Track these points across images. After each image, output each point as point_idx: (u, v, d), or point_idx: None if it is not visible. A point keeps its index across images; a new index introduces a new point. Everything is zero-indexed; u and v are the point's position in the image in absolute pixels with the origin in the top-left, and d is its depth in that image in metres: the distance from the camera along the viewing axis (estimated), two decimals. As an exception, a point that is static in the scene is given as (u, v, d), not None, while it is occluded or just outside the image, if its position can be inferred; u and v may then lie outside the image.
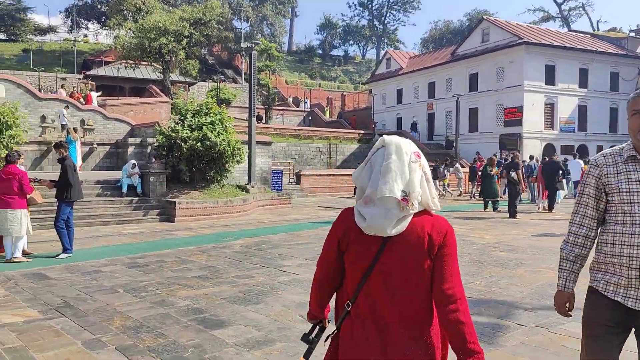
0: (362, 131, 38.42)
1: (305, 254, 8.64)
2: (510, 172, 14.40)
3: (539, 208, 16.34)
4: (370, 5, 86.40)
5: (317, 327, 2.15)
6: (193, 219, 13.73)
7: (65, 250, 8.48)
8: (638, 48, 36.65)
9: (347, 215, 1.93)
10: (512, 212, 14.15)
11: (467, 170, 25.13)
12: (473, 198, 21.99)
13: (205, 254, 8.80)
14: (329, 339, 2.05)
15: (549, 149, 32.22)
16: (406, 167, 1.84)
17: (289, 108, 47.53)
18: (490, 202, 16.07)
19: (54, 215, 8.74)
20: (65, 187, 8.42)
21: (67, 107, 21.97)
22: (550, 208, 15.74)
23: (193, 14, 30.85)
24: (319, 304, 2.09)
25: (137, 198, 14.23)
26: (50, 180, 8.72)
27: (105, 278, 6.92)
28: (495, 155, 20.01)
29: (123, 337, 4.55)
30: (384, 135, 2.01)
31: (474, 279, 6.78)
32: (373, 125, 40.92)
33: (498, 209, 15.74)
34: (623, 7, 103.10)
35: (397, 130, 40.69)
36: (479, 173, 21.31)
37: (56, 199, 8.65)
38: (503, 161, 24.68)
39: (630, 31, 37.84)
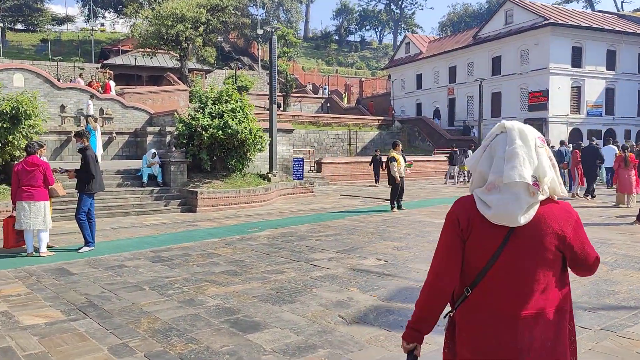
0: (381, 117, 37.80)
1: (336, 247, 8.25)
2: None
3: (572, 195, 15.72)
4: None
5: (411, 357, 1.98)
6: (215, 209, 13.43)
7: (87, 243, 8.21)
8: (669, 27, 35.31)
9: (466, 203, 1.88)
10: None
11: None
12: None
13: (231, 246, 8.46)
14: (447, 317, 2.00)
15: (575, 134, 31.35)
16: (533, 152, 1.81)
17: (306, 95, 47.02)
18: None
19: (75, 206, 8.46)
20: (87, 178, 8.12)
21: (92, 97, 21.86)
22: (592, 195, 15.20)
23: (210, 0, 30.39)
24: (434, 313, 1.93)
25: (158, 188, 13.97)
26: (74, 170, 8.43)
27: (129, 274, 6.61)
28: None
29: (152, 342, 4.20)
30: (503, 121, 1.93)
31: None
32: (393, 112, 40.27)
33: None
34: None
35: (417, 116, 39.98)
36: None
37: (77, 191, 8.36)
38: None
39: (660, 10, 36.54)
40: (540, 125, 30.89)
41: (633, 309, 4.94)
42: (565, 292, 1.87)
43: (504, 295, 1.79)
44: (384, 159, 20.04)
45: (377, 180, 22.49)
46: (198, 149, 14.60)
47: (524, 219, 1.75)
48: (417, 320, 1.94)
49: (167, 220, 11.81)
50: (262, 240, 8.97)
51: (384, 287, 5.77)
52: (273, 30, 17.41)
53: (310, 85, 51.16)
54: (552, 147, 21.40)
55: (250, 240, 9.06)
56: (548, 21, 30.31)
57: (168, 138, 18.79)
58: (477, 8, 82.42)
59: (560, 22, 30.77)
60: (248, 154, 15.28)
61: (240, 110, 14.92)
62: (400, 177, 12.97)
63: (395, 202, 13.17)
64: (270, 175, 16.41)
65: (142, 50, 33.69)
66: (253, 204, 14.31)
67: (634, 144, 22.34)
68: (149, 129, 21.15)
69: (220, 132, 14.12)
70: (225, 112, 14.61)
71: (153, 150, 14.68)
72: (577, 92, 31.86)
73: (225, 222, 11.56)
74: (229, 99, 15.25)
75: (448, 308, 1.98)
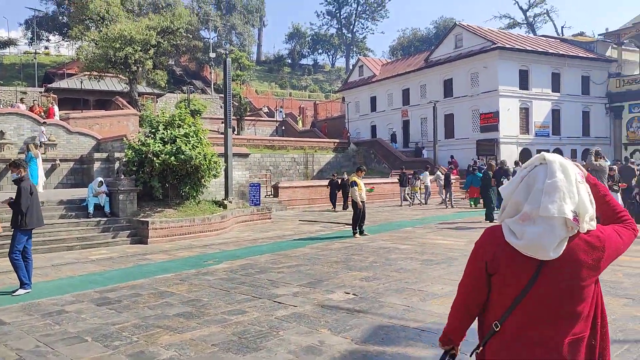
0: (337, 140, 37.72)
1: (300, 279, 7.73)
2: (502, 179, 13.83)
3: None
4: (338, 14, 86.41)
5: (448, 355, 2.06)
6: (168, 240, 12.65)
7: (22, 285, 7.36)
8: (607, 51, 37.04)
9: (494, 235, 1.86)
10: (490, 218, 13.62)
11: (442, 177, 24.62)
12: (448, 207, 21.34)
13: (186, 282, 7.80)
14: (474, 355, 1.99)
15: (525, 154, 32.10)
16: (574, 187, 1.77)
17: (261, 118, 46.61)
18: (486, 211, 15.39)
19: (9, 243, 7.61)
20: (21, 213, 7.31)
21: (44, 123, 20.88)
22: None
23: (160, 23, 29.68)
24: (462, 327, 2.02)
25: (105, 219, 13.07)
26: (10, 200, 7.60)
27: (70, 321, 5.87)
28: (491, 160, 19.58)
29: (94, 410, 3.56)
30: (544, 153, 1.92)
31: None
32: (348, 134, 40.33)
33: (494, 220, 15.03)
34: (586, 12, 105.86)
35: (372, 138, 40.15)
36: (469, 178, 20.87)
37: (11, 227, 7.53)
38: (483, 167, 24.34)
39: (599, 35, 38.20)
40: (492, 145, 31.54)
41: (623, 342, 4.65)
42: (600, 313, 1.87)
43: (534, 328, 1.77)
44: (347, 178, 19.86)
45: (334, 204, 22.13)
46: (149, 176, 13.83)
47: (554, 253, 1.71)
48: (448, 330, 2.04)
49: (116, 254, 10.98)
50: (220, 274, 8.34)
51: (357, 327, 5.29)
52: (227, 52, 16.92)
53: (266, 108, 50.80)
54: (506, 166, 21.75)
55: (207, 274, 8.41)
56: (496, 45, 31.17)
57: (117, 165, 17.85)
58: (425, 33, 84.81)
59: (507, 46, 31.71)
60: (203, 180, 14.62)
61: (194, 135, 14.30)
62: (361, 201, 12.64)
63: (358, 228, 12.79)
64: (226, 202, 15.76)
65: (89, 73, 32.48)
66: (209, 233, 13.61)
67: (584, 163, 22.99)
68: (96, 155, 20.10)
69: (172, 158, 13.43)
70: (178, 137, 13.96)
71: (100, 179, 13.79)
72: (525, 113, 32.76)
73: (179, 254, 10.84)
74: (182, 124, 14.61)
75: (475, 342, 1.98)
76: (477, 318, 1.99)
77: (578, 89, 34.75)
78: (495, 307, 1.85)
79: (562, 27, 63.43)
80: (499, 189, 2.09)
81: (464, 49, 33.80)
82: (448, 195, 22.02)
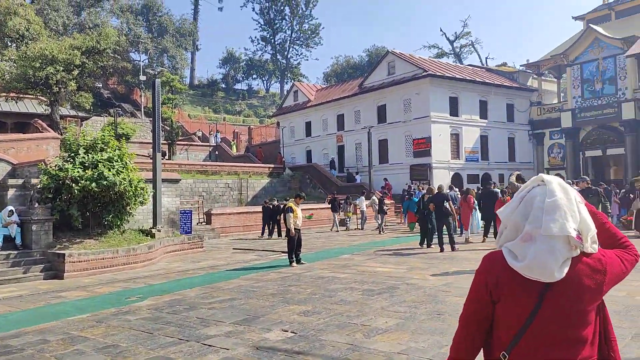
0: (272, 165, 37.22)
1: (233, 316, 7.08)
2: (445, 204, 13.81)
3: (466, 240, 15.89)
4: (272, 40, 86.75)
5: None
6: (87, 274, 11.57)
7: None
8: (528, 81, 39.06)
9: (495, 261, 1.79)
10: (446, 244, 13.50)
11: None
12: (382, 232, 21.21)
13: (104, 324, 6.94)
14: None
15: (456, 179, 32.91)
16: (575, 206, 1.73)
17: (193, 143, 45.36)
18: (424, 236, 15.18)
19: None
20: None
21: None
22: (486, 235, 15.54)
23: (85, 42, 28.19)
24: (471, 355, 1.87)
25: (15, 252, 11.83)
26: None
27: (-44, 379, 4.96)
28: (426, 184, 19.65)
29: None
30: (541, 174, 1.87)
31: (446, 339, 5.61)
32: (283, 159, 39.93)
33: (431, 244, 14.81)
34: (508, 45, 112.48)
35: (307, 163, 39.98)
36: (406, 202, 20.76)
37: None
38: (418, 192, 24.56)
39: (520, 66, 40.29)
40: (425, 170, 32.11)
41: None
42: (608, 337, 1.86)
43: (550, 353, 1.72)
44: (278, 204, 19.30)
45: (270, 232, 21.40)
46: (67, 203, 12.71)
47: (558, 274, 1.67)
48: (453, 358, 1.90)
49: (26, 292, 9.84)
50: (144, 313, 7.53)
51: (297, 372, 4.75)
52: (157, 72, 16.12)
53: (200, 133, 49.58)
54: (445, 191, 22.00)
55: (129, 313, 7.58)
56: (427, 73, 32.04)
57: (32, 192, 16.42)
58: (358, 60, 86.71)
59: (438, 73, 32.68)
60: (128, 207, 13.64)
61: (119, 159, 13.36)
62: (296, 229, 12.16)
63: (294, 256, 12.26)
64: (154, 230, 14.79)
65: (6, 94, 30.31)
66: (134, 264, 12.62)
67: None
68: (11, 181, 18.40)
69: (94, 184, 12.42)
70: (101, 162, 12.97)
71: (9, 208, 12.53)
72: (456, 139, 33.72)
73: (99, 290, 9.86)
74: (105, 147, 13.64)
75: None
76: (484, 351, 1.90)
77: (504, 116, 36.29)
78: (501, 336, 1.79)
79: (486, 58, 66.58)
80: (497, 212, 2.01)
81: (396, 75, 34.51)
82: (381, 221, 21.91)
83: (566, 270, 1.68)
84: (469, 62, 57.72)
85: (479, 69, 40.80)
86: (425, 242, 14.47)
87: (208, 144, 45.48)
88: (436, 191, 14.24)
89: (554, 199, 1.71)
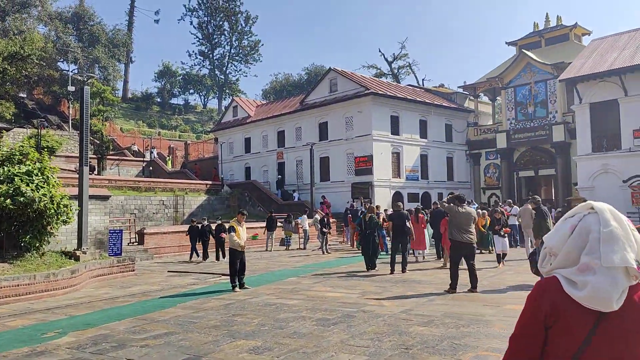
0: (209, 182, 35.89)
1: (170, 356, 6.07)
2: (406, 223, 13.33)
3: (418, 258, 15.53)
4: (211, 55, 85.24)
5: None
6: (-2, 304, 10.08)
7: None
8: (465, 103, 40.03)
9: (550, 286, 1.74)
10: (403, 266, 12.99)
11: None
12: (326, 252, 20.48)
13: (11, 370, 5.76)
14: None
15: (397, 197, 32.89)
16: (630, 234, 1.71)
17: (125, 158, 43.15)
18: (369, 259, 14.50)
19: None
20: None
21: None
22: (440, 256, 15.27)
23: (8, 47, 26.13)
24: None
25: None
26: None
27: None
28: (368, 203, 19.17)
29: None
30: (590, 201, 1.81)
31: (421, 380, 4.91)
32: (221, 176, 38.65)
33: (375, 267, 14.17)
34: (443, 67, 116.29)
35: (246, 180, 38.90)
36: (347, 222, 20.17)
37: None
38: (362, 210, 24.13)
39: (458, 87, 41.29)
40: (367, 189, 31.86)
41: None
42: None
43: None
44: (207, 224, 18.21)
45: (205, 254, 19.34)
46: (-24, 223, 11.15)
47: (616, 304, 1.63)
48: None
49: None
50: (62, 354, 6.37)
51: None
52: (86, 79, 14.78)
53: (135, 147, 47.27)
54: (385, 209, 21.66)
55: (44, 355, 6.38)
56: (369, 91, 32.02)
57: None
58: (297, 78, 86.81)
59: (380, 92, 32.74)
60: (49, 227, 12.20)
61: (39, 173, 11.94)
62: (240, 250, 11.24)
63: (237, 280, 11.29)
64: (78, 252, 13.34)
65: None
66: (55, 291, 11.20)
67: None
68: None
69: (8, 200, 10.97)
70: (18, 175, 11.52)
71: None
72: (397, 157, 33.80)
73: (10, 323, 8.50)
74: (24, 159, 12.18)
75: None
76: None
77: (442, 135, 36.86)
78: None
79: (423, 80, 68.36)
80: (543, 237, 1.84)
81: (338, 93, 34.31)
82: (324, 241, 21.18)
83: (624, 299, 1.66)
84: (406, 83, 58.86)
85: (418, 89, 41.45)
86: (371, 265, 13.84)
87: (142, 159, 43.38)
88: (391, 210, 13.78)
89: (609, 228, 1.68)
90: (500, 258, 13.67)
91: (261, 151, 40.08)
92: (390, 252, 13.90)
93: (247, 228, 11.79)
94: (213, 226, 19.16)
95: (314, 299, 9.68)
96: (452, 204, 10.35)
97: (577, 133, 27.14)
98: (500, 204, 24.16)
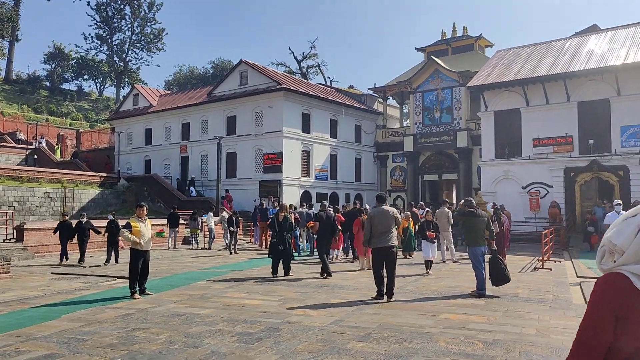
0: (104, 174, 33.01)
1: (50, 390, 4.66)
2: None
3: (333, 258, 14.77)
4: (109, 40, 79.67)
5: None
6: None
7: None
8: (374, 105, 40.35)
9: (618, 281, 1.74)
10: (327, 270, 12.05)
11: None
12: (234, 253, 19.12)
13: None
14: None
15: (306, 197, 32.24)
16: None
17: (6, 144, 38.64)
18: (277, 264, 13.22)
19: None
20: None
21: None
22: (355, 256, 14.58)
23: None
24: None
25: None
26: None
27: None
28: (277, 201, 18.11)
29: None
30: None
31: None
32: (118, 168, 35.76)
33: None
34: (352, 69, 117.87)
35: (146, 174, 36.32)
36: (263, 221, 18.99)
37: None
38: (272, 209, 23.07)
39: (368, 89, 41.50)
40: (275, 187, 30.84)
41: None
42: None
43: None
44: (86, 220, 16.25)
45: (82, 256, 16.08)
46: None
47: None
48: None
49: None
50: None
51: None
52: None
53: (22, 135, 42.46)
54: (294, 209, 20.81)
55: None
56: (282, 86, 31.03)
57: None
58: (203, 72, 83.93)
59: (292, 88, 31.86)
60: None
61: None
62: (143, 249, 9.76)
63: (137, 285, 9.78)
64: (-63, 251, 11.03)
65: None
66: None
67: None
68: None
69: None
70: None
71: None
72: (307, 156, 33.12)
73: None
74: None
75: None
76: None
77: (352, 136, 36.78)
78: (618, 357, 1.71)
79: (331, 81, 68.65)
80: (606, 237, 1.77)
81: (249, 86, 32.97)
82: (233, 240, 19.82)
83: None
84: (315, 82, 58.60)
85: (329, 89, 41.14)
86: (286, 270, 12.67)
87: (25, 146, 39.05)
88: (320, 209, 12.82)
89: None
90: (429, 265, 12.97)
91: (163, 144, 37.64)
92: (317, 254, 13.12)
93: (151, 225, 10.27)
94: (122, 223, 16.51)
95: (230, 307, 8.49)
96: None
97: (482, 139, 28.07)
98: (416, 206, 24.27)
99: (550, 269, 13.63)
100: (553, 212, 23.67)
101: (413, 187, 35.68)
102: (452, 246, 15.38)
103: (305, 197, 32.12)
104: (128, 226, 9.75)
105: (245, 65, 33.72)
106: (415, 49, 40.79)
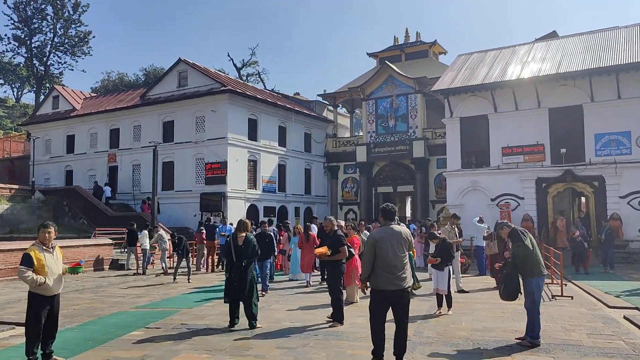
0: (15, 186, 28.35)
1: None
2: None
3: (308, 284, 11.76)
4: (28, 42, 72.84)
5: None
6: None
7: None
8: (324, 112, 37.86)
9: None
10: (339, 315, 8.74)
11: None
12: (175, 281, 15.64)
13: None
14: None
15: (252, 211, 29.05)
16: None
17: None
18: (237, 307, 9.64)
19: None
20: None
21: None
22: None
23: None
24: None
25: None
26: None
27: None
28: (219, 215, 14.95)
29: None
30: None
31: None
32: (32, 179, 31.08)
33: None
34: (295, 77, 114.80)
35: (68, 186, 31.82)
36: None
37: None
38: (222, 226, 19.96)
39: (317, 95, 38.93)
40: (219, 200, 27.42)
41: None
42: None
43: None
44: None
45: None
46: None
47: None
48: None
49: None
50: None
51: None
52: None
53: None
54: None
55: None
56: (226, 87, 27.82)
57: None
58: (133, 79, 78.66)
59: (238, 90, 28.71)
60: None
61: None
62: (49, 294, 6.43)
63: (39, 348, 6.41)
64: None
65: None
66: None
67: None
68: None
69: None
70: None
71: None
72: (253, 166, 29.96)
73: None
74: None
75: None
76: None
77: (302, 145, 34.03)
78: None
79: (272, 90, 65.70)
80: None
81: (189, 88, 29.46)
82: (177, 265, 16.35)
83: None
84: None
85: (276, 94, 38.23)
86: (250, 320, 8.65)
87: None
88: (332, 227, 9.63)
89: None
90: (443, 300, 9.62)
91: (88, 152, 33.24)
92: (332, 292, 8.92)
93: (66, 251, 6.92)
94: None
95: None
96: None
97: (447, 148, 26.05)
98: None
99: (572, 297, 11.35)
100: (526, 225, 21.79)
101: (366, 199, 33.33)
102: (459, 273, 12.78)
103: (252, 212, 28.93)
104: (27, 261, 6.37)
105: (184, 64, 30.18)
106: (367, 54, 38.77)
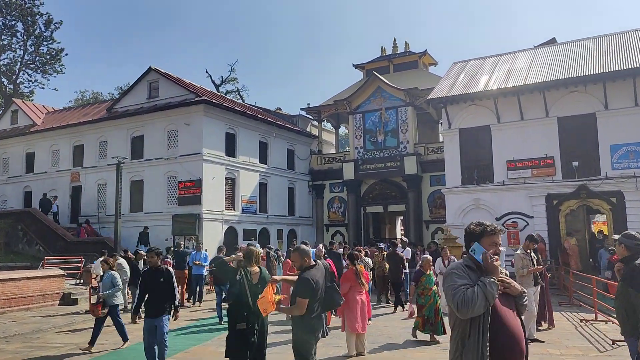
0: (-38, 209, 25.19)
1: None
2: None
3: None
4: (-4, 59, 69.61)
5: None
6: None
7: None
8: (307, 127, 35.50)
9: None
10: None
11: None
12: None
13: None
14: None
15: (230, 234, 26.28)
16: None
17: None
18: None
19: None
20: None
21: None
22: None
23: None
24: None
25: None
26: None
27: None
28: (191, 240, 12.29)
29: None
30: None
31: None
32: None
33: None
34: (274, 94, 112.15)
35: (24, 208, 28.70)
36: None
37: None
38: (195, 253, 17.27)
39: (301, 109, 36.58)
40: (193, 223, 24.58)
41: None
42: None
43: None
44: None
45: None
46: None
47: None
48: None
49: None
50: None
51: None
52: None
53: None
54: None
55: None
56: (202, 98, 25.24)
57: None
58: (108, 98, 75.50)
59: (214, 101, 26.15)
60: None
61: None
62: None
63: None
64: None
65: None
66: None
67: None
68: None
69: None
70: None
71: None
72: (232, 184, 27.25)
73: None
74: None
75: None
76: None
77: (284, 162, 31.48)
78: None
79: (253, 106, 63.24)
80: None
81: (160, 99, 26.80)
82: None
83: None
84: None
85: (257, 108, 35.77)
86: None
87: None
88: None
89: None
90: None
91: (49, 171, 30.19)
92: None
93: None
94: None
95: None
96: None
97: (445, 162, 23.69)
98: (380, 244, 19.18)
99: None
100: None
101: (355, 220, 30.83)
102: (534, 313, 9.81)
103: (230, 234, 26.17)
104: None
105: (155, 73, 27.52)
106: (353, 65, 36.61)
